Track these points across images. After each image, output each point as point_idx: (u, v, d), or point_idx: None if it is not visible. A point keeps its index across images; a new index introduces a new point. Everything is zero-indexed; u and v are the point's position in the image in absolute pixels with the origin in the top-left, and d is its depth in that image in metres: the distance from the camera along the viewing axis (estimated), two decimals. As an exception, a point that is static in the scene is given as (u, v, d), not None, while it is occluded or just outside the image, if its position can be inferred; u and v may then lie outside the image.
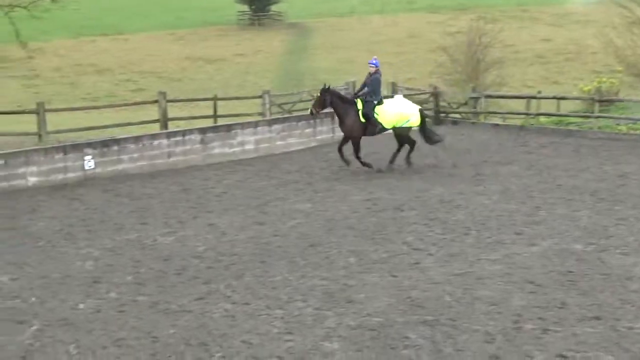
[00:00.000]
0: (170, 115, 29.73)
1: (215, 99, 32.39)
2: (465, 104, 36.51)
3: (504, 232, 16.86)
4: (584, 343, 11.11)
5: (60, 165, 22.50)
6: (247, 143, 26.63)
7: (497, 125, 33.38)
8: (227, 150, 26.07)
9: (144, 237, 17.04)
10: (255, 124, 27.89)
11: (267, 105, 32.64)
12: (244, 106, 34.88)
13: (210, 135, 25.94)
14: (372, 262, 14.90)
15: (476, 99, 35.13)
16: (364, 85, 23.38)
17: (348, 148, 23.24)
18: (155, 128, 28.57)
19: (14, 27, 27.71)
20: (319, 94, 23.04)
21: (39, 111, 27.04)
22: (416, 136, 24.21)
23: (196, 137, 25.56)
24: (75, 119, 31.13)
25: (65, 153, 22.75)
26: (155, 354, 10.94)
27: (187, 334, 11.65)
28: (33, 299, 13.31)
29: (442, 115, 34.98)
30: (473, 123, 33.91)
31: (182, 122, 30.39)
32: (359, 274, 14.23)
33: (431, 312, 12.32)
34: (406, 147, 23.82)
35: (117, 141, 24.13)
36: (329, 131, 28.72)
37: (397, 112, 23.20)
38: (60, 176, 22.37)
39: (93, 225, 18.07)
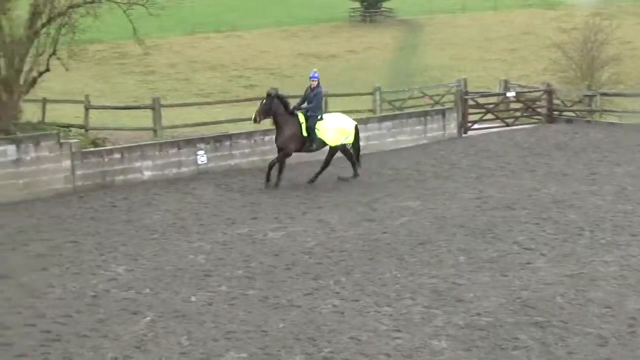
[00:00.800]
0: (280, 111, 29.93)
1: (326, 95, 32.50)
2: (580, 102, 35.58)
3: (619, 233, 16.45)
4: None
5: (174, 159, 22.94)
6: None
7: (612, 124, 32.59)
8: None
9: (254, 231, 17.22)
10: (366, 121, 27.83)
11: (378, 102, 32.59)
12: (354, 103, 34.87)
13: None
14: (482, 261, 14.73)
15: (591, 97, 34.19)
16: (304, 99, 22.17)
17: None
18: (267, 124, 28.79)
19: (132, 24, 28.28)
20: (263, 100, 21.75)
21: (155, 106, 27.63)
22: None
23: None
24: (189, 115, 31.68)
25: (179, 148, 23.20)
26: (265, 347, 11.03)
27: (296, 328, 11.72)
28: (147, 290, 13.60)
29: (556, 113, 34.14)
30: (588, 121, 32.94)
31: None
32: (469, 273, 14.09)
33: (542, 314, 12.11)
34: (325, 164, 22.48)
35: (229, 136, 24.48)
36: (439, 128, 28.48)
37: (339, 127, 22.09)
38: (174, 170, 22.82)
39: (205, 219, 18.36)
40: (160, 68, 62.10)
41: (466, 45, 78.94)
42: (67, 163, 21.01)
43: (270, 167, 21.53)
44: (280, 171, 21.68)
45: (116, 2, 27.73)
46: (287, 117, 21.44)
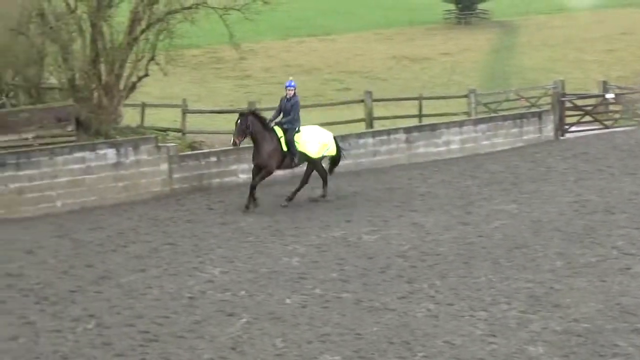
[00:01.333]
0: (375, 114, 29.95)
1: (420, 98, 32.39)
2: None
3: None
4: None
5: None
6: (452, 142, 26.37)
7: None
8: (431, 149, 25.93)
9: (348, 234, 17.22)
10: (461, 124, 27.59)
11: (473, 105, 32.24)
12: (449, 105, 34.61)
13: (415, 134, 25.89)
14: (580, 266, 14.48)
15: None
16: (280, 110, 20.29)
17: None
18: (361, 127, 28.82)
19: (227, 29, 28.58)
20: (237, 120, 19.53)
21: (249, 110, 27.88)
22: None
23: (401, 136, 25.57)
24: (284, 118, 31.87)
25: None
26: (359, 350, 11.03)
27: (390, 332, 11.69)
28: (242, 292, 13.73)
29: None
30: None
31: (387, 122, 30.51)
32: (566, 278, 13.85)
33: (643, 320, 11.87)
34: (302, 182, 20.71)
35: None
36: (536, 131, 28.02)
37: (319, 139, 20.44)
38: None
39: (300, 222, 18.44)
40: (255, 72, 62.76)
41: (562, 46, 77.43)
42: (164, 166, 21.37)
43: (253, 188, 19.65)
44: (257, 183, 19.98)
45: (212, 8, 28.06)
46: (265, 132, 19.53)
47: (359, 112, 30.83)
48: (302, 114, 31.37)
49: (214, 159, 22.49)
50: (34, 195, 19.55)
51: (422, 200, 20.33)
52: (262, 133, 19.47)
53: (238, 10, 28.36)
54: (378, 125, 29.04)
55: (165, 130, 29.45)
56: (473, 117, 30.21)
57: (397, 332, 11.71)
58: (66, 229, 18.09)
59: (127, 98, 29.00)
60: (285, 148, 19.52)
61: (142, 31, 27.99)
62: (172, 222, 18.83)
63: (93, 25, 27.66)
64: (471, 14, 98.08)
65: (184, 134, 28.99)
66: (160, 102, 32.01)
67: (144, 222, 18.83)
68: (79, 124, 27.76)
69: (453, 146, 26.28)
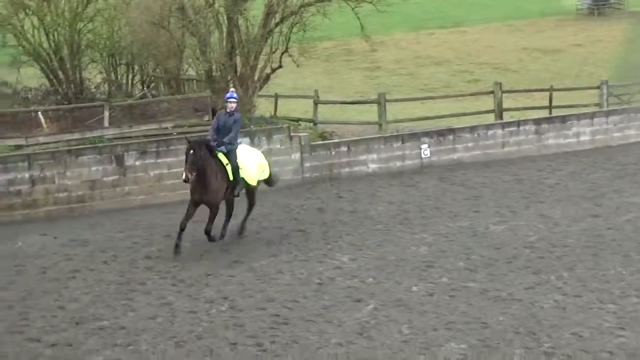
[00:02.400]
0: (504, 105, 29.52)
1: (551, 89, 31.66)
2: None
3: None
4: None
5: (399, 153, 23.11)
6: (582, 134, 25.84)
7: None
8: (561, 141, 25.45)
9: (476, 224, 17.13)
10: (592, 115, 26.93)
11: (605, 96, 31.37)
12: (580, 97, 33.75)
13: (544, 126, 25.45)
14: None
15: None
16: (218, 128, 16.23)
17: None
18: (490, 118, 28.48)
19: (359, 21, 28.58)
20: (189, 150, 15.21)
21: (380, 101, 27.92)
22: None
23: (531, 127, 25.19)
24: (413, 109, 31.76)
25: (403, 142, 23.35)
26: (484, 339, 10.97)
27: (516, 322, 11.59)
28: (370, 279, 13.82)
29: None
30: None
31: (516, 113, 29.97)
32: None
33: None
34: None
35: (452, 131, 24.40)
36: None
37: (258, 162, 16.69)
38: (398, 163, 22.99)
39: (427, 212, 18.43)
40: (385, 64, 62.49)
41: (700, 36, 74.48)
42: (296, 155, 21.63)
43: (182, 229, 15.57)
44: (211, 225, 15.89)
45: (345, 0, 28.14)
46: (212, 162, 15.53)
47: (488, 103, 30.44)
48: (431, 104, 31.39)
49: (344, 148, 22.64)
50: (172, 181, 20.04)
51: (551, 191, 20.05)
52: (211, 164, 15.31)
53: (370, 2, 28.34)
54: (507, 117, 28.60)
55: (297, 120, 29.72)
56: (605, 108, 29.42)
57: (524, 322, 11.61)
58: (204, 213, 18.52)
59: (261, 89, 29.38)
60: (231, 177, 15.63)
61: (277, 24, 28.30)
62: (303, 210, 19.10)
63: (229, 19, 28.15)
64: (604, 4, 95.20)
65: (315, 124, 29.17)
66: (293, 93, 32.25)
67: (276, 209, 19.13)
68: (214, 114, 28.36)
69: (583, 138, 25.77)
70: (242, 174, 16.08)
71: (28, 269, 14.70)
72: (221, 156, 15.42)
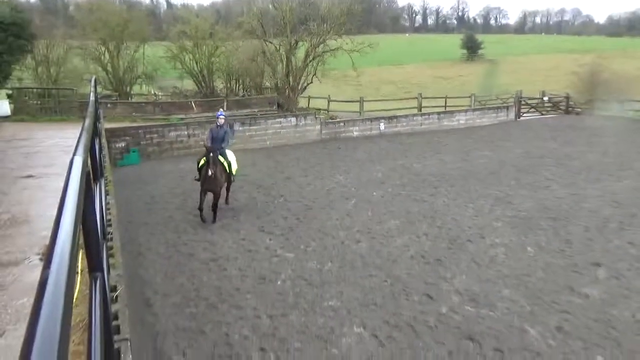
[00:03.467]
0: (423, 104, 28.87)
1: (446, 97, 30.81)
2: (584, 103, 30.44)
3: (602, 173, 15.06)
4: (644, 237, 9.84)
5: (368, 127, 22.76)
6: (460, 120, 24.76)
7: (604, 116, 29.01)
8: (450, 123, 24.67)
9: (406, 163, 16.94)
10: (465, 111, 25.75)
11: (472, 101, 30.37)
12: (460, 101, 32.67)
13: (442, 115, 24.59)
14: (524, 184, 13.86)
15: (591, 100, 30.47)
16: (212, 138, 11.62)
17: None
18: (415, 111, 27.92)
19: (352, 60, 28.27)
20: (210, 155, 10.90)
21: (360, 101, 27.49)
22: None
23: (435, 116, 24.39)
24: (376, 105, 31.24)
25: (371, 121, 22.98)
26: (408, 219, 10.94)
27: (423, 211, 11.47)
28: (353, 189, 13.63)
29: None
30: (589, 115, 28.94)
31: (427, 109, 29.22)
32: (516, 189, 13.30)
33: (556, 213, 11.40)
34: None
35: (396, 117, 23.90)
36: (506, 115, 26.53)
37: (234, 159, 11.96)
38: (367, 132, 22.69)
39: (382, 156, 18.28)
40: (364, 83, 61.97)
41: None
42: (318, 127, 21.48)
43: (201, 209, 11.17)
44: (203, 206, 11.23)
45: (346, 52, 27.65)
46: (218, 162, 11.23)
47: (414, 103, 29.33)
48: (386, 103, 30.62)
49: (342, 124, 22.44)
50: (257, 139, 20.01)
51: (444, 148, 19.55)
52: (217, 163, 11.10)
53: (357, 51, 27.79)
54: (424, 110, 27.99)
55: (319, 109, 29.40)
56: (472, 107, 28.77)
57: (427, 212, 11.59)
58: (271, 154, 18.55)
59: (301, 94, 29.19)
60: (227, 170, 11.44)
61: (310, 61, 28.02)
62: (321, 154, 18.97)
63: (287, 57, 27.90)
64: (474, 55, 75.83)
65: (328, 112, 28.92)
66: (317, 95, 31.83)
67: (307, 152, 19.03)
68: (279, 105, 28.23)
69: (461, 122, 24.86)
70: (232, 167, 11.53)
71: (185, 179, 14.83)
72: (221, 158, 11.08)
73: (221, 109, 12.72)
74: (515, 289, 7.79)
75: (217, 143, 11.38)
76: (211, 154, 10.78)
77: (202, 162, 11.20)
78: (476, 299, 7.48)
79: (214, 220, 11.04)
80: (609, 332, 6.59)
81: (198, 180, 11.30)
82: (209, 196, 11.27)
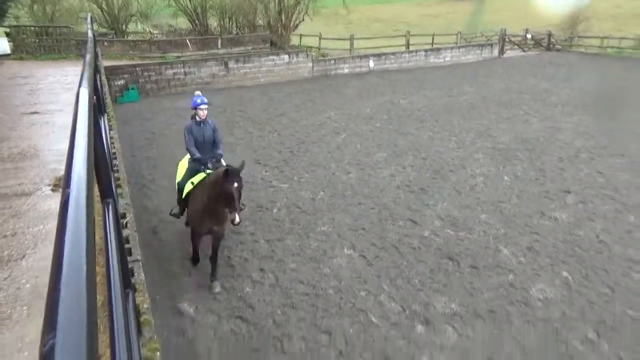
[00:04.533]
0: (411, 42, 28.18)
1: (433, 34, 29.99)
2: (565, 40, 30.50)
3: (575, 108, 15.06)
4: (611, 167, 10.00)
5: (358, 64, 22.23)
6: (446, 57, 24.22)
7: (582, 52, 28.61)
8: (436, 60, 24.15)
9: (393, 99, 16.78)
10: (452, 48, 25.07)
11: (458, 38, 29.73)
12: (447, 38, 31.75)
13: (429, 52, 24.05)
14: (504, 118, 13.83)
15: (571, 38, 29.84)
16: (197, 145, 6.23)
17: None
18: (403, 48, 27.32)
19: (341, -2, 27.26)
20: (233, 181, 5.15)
21: (351, 39, 26.67)
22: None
23: (422, 53, 23.88)
24: (366, 43, 30.43)
25: (360, 59, 22.40)
26: (395, 151, 11.02)
27: (409, 144, 11.48)
28: (343, 123, 13.55)
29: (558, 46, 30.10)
30: (568, 51, 28.81)
31: (415, 46, 28.62)
32: (496, 123, 13.28)
33: (532, 145, 11.50)
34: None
35: (384, 54, 23.35)
36: (489, 52, 25.96)
37: None
38: (357, 69, 22.21)
39: (370, 92, 17.96)
40: (354, 21, 59.70)
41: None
42: (310, 64, 20.94)
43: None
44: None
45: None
46: None
47: (402, 41, 28.65)
48: (376, 41, 29.81)
49: (332, 61, 21.89)
50: (251, 75, 19.55)
51: (429, 84, 19.29)
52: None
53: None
54: (411, 48, 27.34)
55: (310, 47, 28.60)
56: (458, 45, 28.16)
57: (413, 145, 11.60)
58: (265, 91, 18.24)
59: (293, 31, 28.26)
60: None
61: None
62: (312, 90, 18.59)
63: (278, -4, 26.78)
64: None
65: (319, 49, 28.13)
66: (308, 33, 30.79)
67: (299, 89, 18.68)
68: (271, 43, 27.37)
69: (447, 59, 24.34)
70: None
71: (181, 116, 14.61)
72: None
73: (199, 93, 6.45)
74: (492, 214, 8.01)
75: (207, 149, 6.23)
76: (208, 167, 6.00)
77: (189, 185, 6.05)
78: (456, 223, 7.70)
79: (214, 277, 6.03)
80: (574, 251, 6.88)
81: (177, 215, 6.47)
82: (206, 238, 6.31)
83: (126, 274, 2.50)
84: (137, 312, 2.58)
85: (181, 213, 6.46)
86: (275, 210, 8.26)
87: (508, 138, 12.03)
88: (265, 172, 10.08)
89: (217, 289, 5.98)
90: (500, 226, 7.60)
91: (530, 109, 14.98)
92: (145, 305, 2.73)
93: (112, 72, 16.52)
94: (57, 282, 0.62)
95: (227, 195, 5.12)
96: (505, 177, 9.60)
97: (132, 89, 16.94)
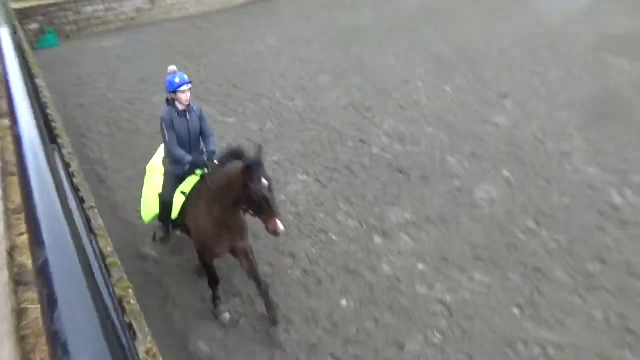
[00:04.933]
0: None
1: None
2: None
3: (511, 10, 15.23)
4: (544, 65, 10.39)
5: None
6: None
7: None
8: None
9: (334, 18, 16.26)
10: None
11: None
12: None
13: None
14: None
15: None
16: (182, 143, 4.37)
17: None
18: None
19: None
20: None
21: None
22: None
23: None
24: None
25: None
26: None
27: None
28: (286, 49, 13.30)
29: None
30: None
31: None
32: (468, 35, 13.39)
33: (471, 55, 11.71)
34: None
35: None
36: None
37: None
38: None
39: (309, 14, 17.29)
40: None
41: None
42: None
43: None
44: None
45: None
46: None
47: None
48: None
49: None
50: (178, 7, 18.31)
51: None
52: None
53: None
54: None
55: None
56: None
57: (358, 65, 11.54)
58: (195, 23, 17.25)
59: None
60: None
61: None
62: (248, 17, 17.69)
63: None
64: None
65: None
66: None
67: (233, 17, 17.60)
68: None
69: None
70: None
71: (108, 56, 13.74)
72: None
73: (174, 68, 4.43)
74: (437, 127, 8.28)
75: (194, 146, 4.55)
76: (205, 166, 4.37)
77: (179, 197, 4.51)
78: (403, 138, 7.93)
79: (274, 320, 4.54)
80: (514, 152, 7.33)
81: (165, 240, 5.18)
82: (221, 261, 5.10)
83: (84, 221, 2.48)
84: (103, 256, 2.60)
85: (169, 236, 4.89)
86: (224, 145, 8.18)
87: (448, 50, 12.14)
88: (209, 107, 9.82)
89: (227, 319, 4.60)
90: (445, 137, 7.91)
91: (467, 15, 15.02)
92: (109, 249, 2.74)
93: (23, 15, 15.05)
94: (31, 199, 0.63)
95: (259, 199, 3.72)
96: (447, 89, 9.83)
97: (50, 32, 15.58)
